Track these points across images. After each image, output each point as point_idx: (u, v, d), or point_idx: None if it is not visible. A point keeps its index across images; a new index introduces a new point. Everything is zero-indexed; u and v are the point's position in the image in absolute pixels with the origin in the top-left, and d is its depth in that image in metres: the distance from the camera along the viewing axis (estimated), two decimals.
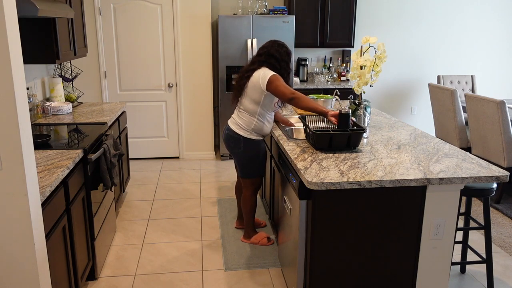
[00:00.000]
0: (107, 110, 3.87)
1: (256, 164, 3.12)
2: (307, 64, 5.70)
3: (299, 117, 2.98)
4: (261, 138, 3.10)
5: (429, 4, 5.94)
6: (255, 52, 3.82)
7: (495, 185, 2.64)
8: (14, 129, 1.64)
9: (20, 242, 1.76)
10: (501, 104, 3.90)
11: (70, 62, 4.47)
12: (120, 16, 5.03)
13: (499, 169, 2.31)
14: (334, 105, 3.73)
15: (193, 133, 5.45)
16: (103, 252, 3.08)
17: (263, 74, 2.89)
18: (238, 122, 3.05)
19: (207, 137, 5.48)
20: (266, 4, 5.33)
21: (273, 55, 2.94)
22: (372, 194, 2.19)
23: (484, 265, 3.04)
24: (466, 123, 4.74)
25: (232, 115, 3.15)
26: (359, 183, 2.12)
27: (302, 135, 3.12)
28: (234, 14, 5.37)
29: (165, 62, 5.22)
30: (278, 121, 3.30)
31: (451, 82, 5.87)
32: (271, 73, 2.89)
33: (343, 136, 2.56)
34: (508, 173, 2.25)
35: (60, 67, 4.31)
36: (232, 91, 3.17)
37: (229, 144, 3.12)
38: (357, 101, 3.14)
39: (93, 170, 2.81)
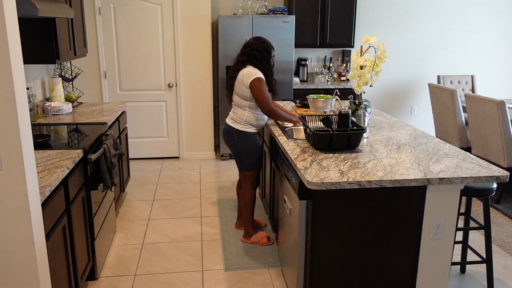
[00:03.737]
0: (107, 110, 3.87)
1: (251, 157, 3.20)
2: (307, 64, 5.70)
3: (299, 117, 2.98)
4: (255, 131, 3.19)
5: (429, 4, 5.94)
6: None
7: (495, 185, 2.64)
8: (14, 129, 1.64)
9: (20, 242, 1.76)
10: (501, 104, 3.90)
11: (70, 62, 4.47)
12: (120, 16, 5.03)
13: (499, 169, 2.31)
14: (334, 105, 3.73)
15: (193, 133, 5.45)
16: (103, 252, 3.08)
17: (247, 73, 3.06)
18: (232, 117, 3.22)
19: (207, 137, 5.48)
20: (266, 4, 5.33)
21: (254, 55, 3.11)
22: (372, 194, 2.19)
23: (484, 265, 3.04)
24: (466, 123, 4.74)
25: (229, 113, 3.29)
26: (359, 183, 2.12)
27: (302, 135, 3.12)
28: (234, 14, 5.37)
29: (165, 62, 5.22)
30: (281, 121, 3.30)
31: (451, 82, 5.87)
32: (256, 75, 3.04)
33: (343, 136, 2.56)
34: (508, 173, 2.25)
35: (60, 67, 4.31)
36: None
37: (225, 137, 3.26)
38: (357, 101, 3.14)
39: (93, 170, 2.81)
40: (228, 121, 3.23)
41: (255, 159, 3.22)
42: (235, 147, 3.21)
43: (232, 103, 3.24)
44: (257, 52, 3.10)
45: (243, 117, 3.14)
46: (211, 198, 4.25)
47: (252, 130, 3.17)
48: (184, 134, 5.44)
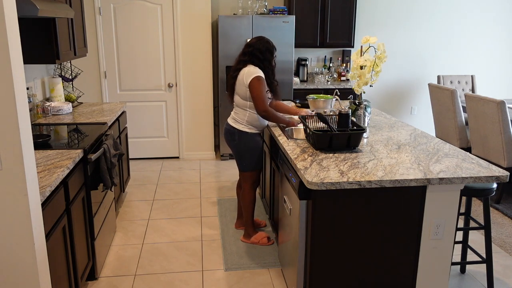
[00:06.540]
0: (107, 110, 3.87)
1: (252, 157, 3.20)
2: (307, 64, 5.70)
3: (299, 117, 2.98)
4: (256, 131, 3.20)
5: (429, 4, 5.94)
6: None
7: (495, 185, 2.64)
8: (14, 129, 1.64)
9: (20, 242, 1.76)
10: (501, 104, 3.90)
11: (70, 62, 4.47)
12: (120, 16, 5.03)
13: (499, 169, 2.31)
14: (334, 105, 3.73)
15: (193, 133, 5.45)
16: (103, 252, 3.08)
17: (248, 72, 3.05)
18: (234, 117, 3.23)
19: (207, 137, 5.48)
20: (266, 4, 5.33)
21: (255, 55, 3.10)
22: (372, 194, 2.19)
23: (484, 265, 3.04)
24: (466, 123, 4.74)
25: (231, 113, 3.30)
26: (359, 183, 2.12)
27: (302, 135, 3.12)
28: (234, 14, 5.37)
29: (165, 62, 5.22)
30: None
31: (451, 82, 5.87)
32: (256, 73, 3.02)
33: (343, 136, 2.56)
34: (508, 173, 2.25)
35: (60, 67, 4.31)
36: None
37: (226, 137, 3.27)
38: (357, 101, 3.14)
39: (93, 170, 2.81)
40: (230, 121, 3.24)
41: (256, 159, 3.22)
42: (236, 147, 3.21)
43: (234, 103, 3.24)
44: (259, 52, 3.08)
45: (244, 117, 3.15)
46: (211, 198, 4.25)
47: (253, 130, 3.18)
48: (184, 134, 5.44)
